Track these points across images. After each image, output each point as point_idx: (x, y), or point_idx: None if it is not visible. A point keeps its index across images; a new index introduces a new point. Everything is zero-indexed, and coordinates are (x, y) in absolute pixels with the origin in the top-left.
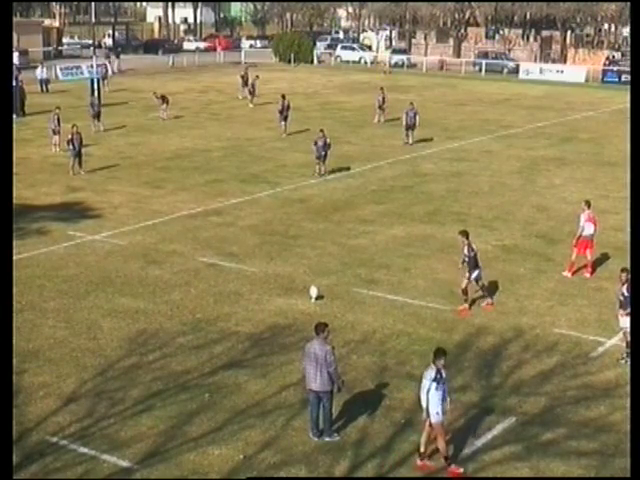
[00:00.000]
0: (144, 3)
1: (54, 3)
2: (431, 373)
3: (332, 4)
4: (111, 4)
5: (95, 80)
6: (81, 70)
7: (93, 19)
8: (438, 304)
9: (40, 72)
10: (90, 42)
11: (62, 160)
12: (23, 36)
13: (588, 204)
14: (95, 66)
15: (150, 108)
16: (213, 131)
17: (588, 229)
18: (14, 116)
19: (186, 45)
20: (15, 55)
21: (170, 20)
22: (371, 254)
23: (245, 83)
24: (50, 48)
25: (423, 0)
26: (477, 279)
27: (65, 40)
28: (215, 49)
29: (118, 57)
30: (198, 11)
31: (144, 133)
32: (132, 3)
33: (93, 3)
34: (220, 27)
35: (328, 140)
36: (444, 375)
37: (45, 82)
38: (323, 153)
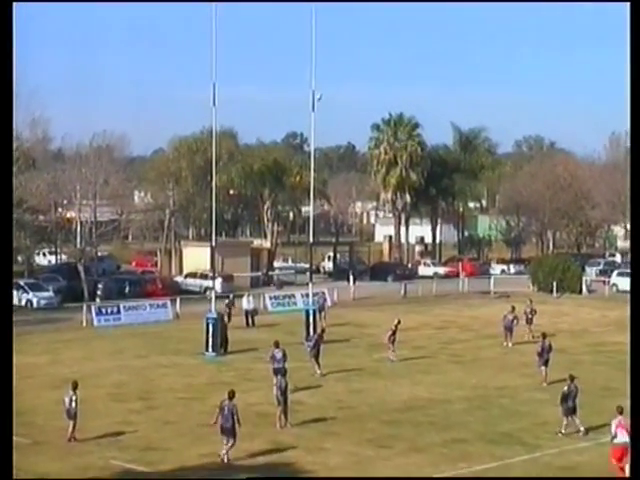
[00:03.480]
0: (372, 219)
1: (266, 220)
2: None
3: (606, 221)
4: (332, 220)
5: (311, 312)
6: (294, 300)
7: (311, 238)
8: None
9: (246, 302)
10: (306, 266)
11: (268, 409)
12: (228, 259)
13: (620, 411)
14: (311, 295)
15: (376, 347)
16: (454, 377)
17: (621, 436)
18: (213, 354)
19: (422, 270)
20: (218, 282)
21: (403, 240)
22: None
23: (529, 320)
24: (259, 273)
25: None
26: None
27: (277, 264)
28: (458, 275)
29: (354, 282)
30: (437, 229)
31: (369, 377)
32: (357, 220)
33: (311, 219)
34: (464, 248)
35: (574, 389)
36: None
37: (251, 314)
38: (572, 405)
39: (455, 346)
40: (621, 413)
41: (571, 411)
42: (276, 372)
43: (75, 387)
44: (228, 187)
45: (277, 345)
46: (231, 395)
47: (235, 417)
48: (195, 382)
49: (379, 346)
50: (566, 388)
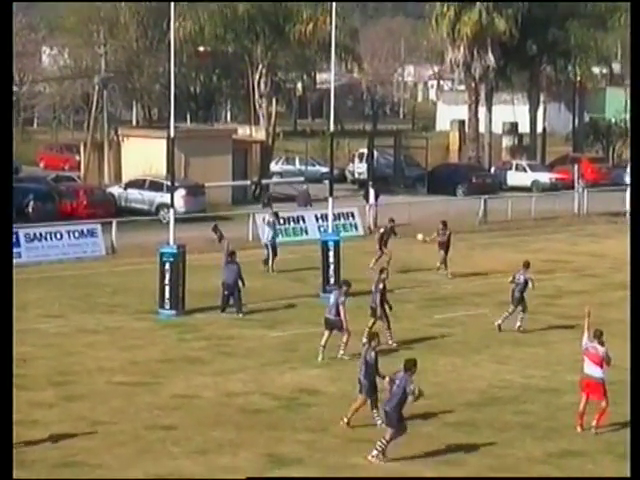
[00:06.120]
0: (432, 95)
1: (258, 96)
2: None
3: None
4: (366, 96)
5: (332, 244)
6: (303, 225)
7: (332, 124)
8: None
9: (267, 230)
10: (323, 170)
11: (259, 402)
12: (196, 158)
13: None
14: (331, 217)
15: (438, 302)
16: (564, 351)
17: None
18: (171, 312)
19: (513, 177)
20: (179, 195)
21: (482, 128)
22: None
23: None
24: (247, 182)
25: None
26: None
27: (276, 166)
28: (572, 185)
29: (376, 199)
30: (540, 111)
31: (425, 352)
32: (407, 95)
33: (333, 93)
34: (583, 142)
35: None
36: None
37: (272, 246)
38: None
39: (566, 301)
40: (599, 338)
41: None
42: (328, 326)
43: None
44: (196, 41)
45: (342, 286)
46: (409, 365)
47: (412, 400)
48: (142, 358)
49: (443, 300)
50: None
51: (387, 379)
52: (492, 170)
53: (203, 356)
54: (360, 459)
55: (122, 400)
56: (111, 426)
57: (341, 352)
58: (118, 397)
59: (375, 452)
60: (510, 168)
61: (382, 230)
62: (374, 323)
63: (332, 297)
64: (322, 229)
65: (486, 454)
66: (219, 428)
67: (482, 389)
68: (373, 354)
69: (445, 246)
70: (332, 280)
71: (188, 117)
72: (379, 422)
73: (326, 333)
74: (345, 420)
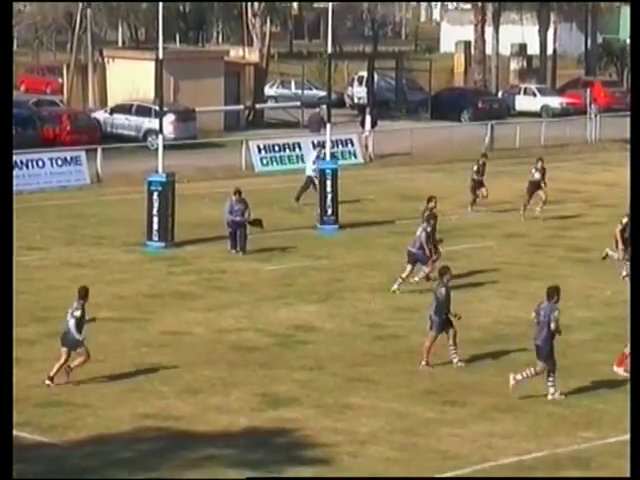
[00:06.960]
0: (435, 14)
1: (251, 15)
2: None
3: None
4: (367, 16)
5: (329, 173)
6: (299, 153)
7: (329, 45)
8: None
9: (315, 162)
10: (321, 94)
11: (253, 339)
12: (186, 81)
13: None
14: (329, 144)
15: (444, 233)
16: (574, 285)
17: None
18: (160, 244)
19: (522, 102)
20: (168, 120)
21: (489, 50)
22: None
23: None
24: (240, 106)
25: None
26: None
27: (270, 90)
28: (584, 111)
29: (374, 125)
30: (550, 32)
31: (426, 287)
32: (409, 15)
33: (331, 11)
34: (595, 63)
35: None
36: None
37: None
38: None
39: (577, 233)
40: None
41: None
42: (411, 259)
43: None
44: None
45: (429, 219)
46: (552, 292)
47: (554, 329)
48: (129, 292)
49: (447, 232)
50: None
51: (533, 314)
52: (499, 94)
53: (194, 291)
54: (358, 398)
55: (108, 337)
56: (97, 364)
57: (413, 279)
58: (104, 333)
59: (519, 377)
60: (518, 92)
61: (475, 167)
62: (434, 261)
63: (419, 230)
64: (319, 156)
65: (491, 393)
66: (210, 366)
67: (487, 326)
68: (443, 290)
69: (537, 185)
70: (330, 211)
71: (177, 38)
72: (458, 363)
73: (408, 267)
74: (424, 363)
